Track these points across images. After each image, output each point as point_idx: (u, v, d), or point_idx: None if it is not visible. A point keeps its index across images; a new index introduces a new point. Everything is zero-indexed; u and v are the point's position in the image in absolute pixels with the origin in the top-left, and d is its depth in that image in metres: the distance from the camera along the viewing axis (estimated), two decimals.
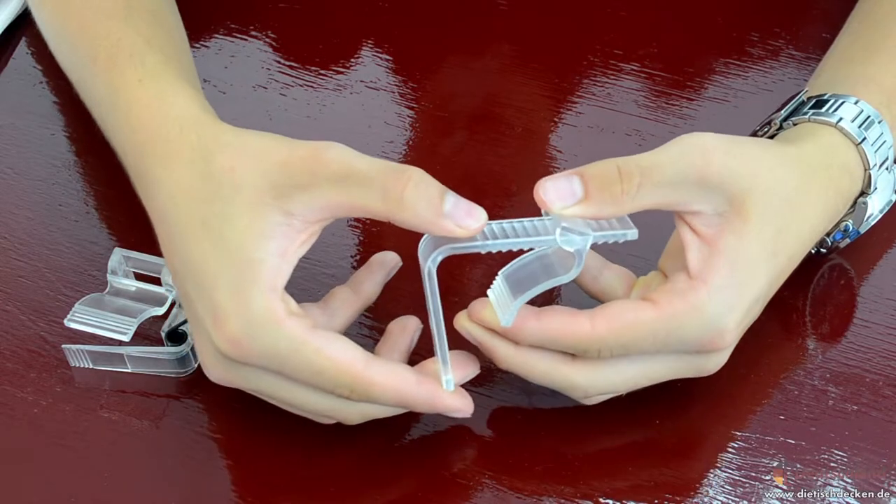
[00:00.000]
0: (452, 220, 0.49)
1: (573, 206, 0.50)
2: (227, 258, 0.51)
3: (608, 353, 0.52)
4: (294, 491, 0.55)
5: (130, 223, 0.62)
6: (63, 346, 0.58)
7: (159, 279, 0.60)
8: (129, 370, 0.59)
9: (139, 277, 0.61)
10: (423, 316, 0.54)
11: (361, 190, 0.50)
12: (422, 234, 0.51)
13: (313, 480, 0.55)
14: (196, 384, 0.58)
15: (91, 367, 0.59)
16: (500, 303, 0.51)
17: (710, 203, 0.51)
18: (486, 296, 0.52)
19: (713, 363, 0.54)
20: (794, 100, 0.59)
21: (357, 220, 0.64)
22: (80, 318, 0.59)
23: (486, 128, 0.68)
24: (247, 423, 0.56)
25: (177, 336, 0.59)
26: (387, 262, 0.58)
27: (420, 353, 0.56)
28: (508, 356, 0.53)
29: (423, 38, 0.73)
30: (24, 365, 0.59)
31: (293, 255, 0.51)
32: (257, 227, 0.51)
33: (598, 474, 0.55)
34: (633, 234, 0.51)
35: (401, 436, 0.56)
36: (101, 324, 0.58)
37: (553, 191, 0.50)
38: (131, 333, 0.57)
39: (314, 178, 0.50)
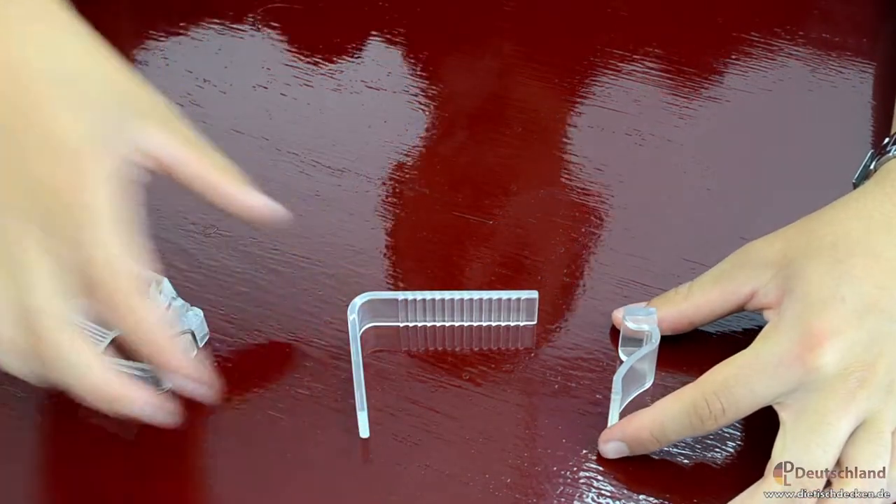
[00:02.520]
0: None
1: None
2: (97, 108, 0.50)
3: (723, 397, 0.51)
4: None
5: None
6: None
7: None
8: None
9: None
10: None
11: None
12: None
13: None
14: None
15: None
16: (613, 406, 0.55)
17: (756, 279, 0.54)
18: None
19: (821, 360, 0.50)
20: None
21: (360, 221, 0.64)
22: None
23: (487, 128, 0.68)
24: (255, 433, 0.57)
25: None
26: None
27: None
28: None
29: (424, 38, 0.73)
30: None
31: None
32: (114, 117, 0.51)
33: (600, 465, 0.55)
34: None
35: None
36: None
37: (626, 309, 0.57)
38: (104, 345, 0.55)
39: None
